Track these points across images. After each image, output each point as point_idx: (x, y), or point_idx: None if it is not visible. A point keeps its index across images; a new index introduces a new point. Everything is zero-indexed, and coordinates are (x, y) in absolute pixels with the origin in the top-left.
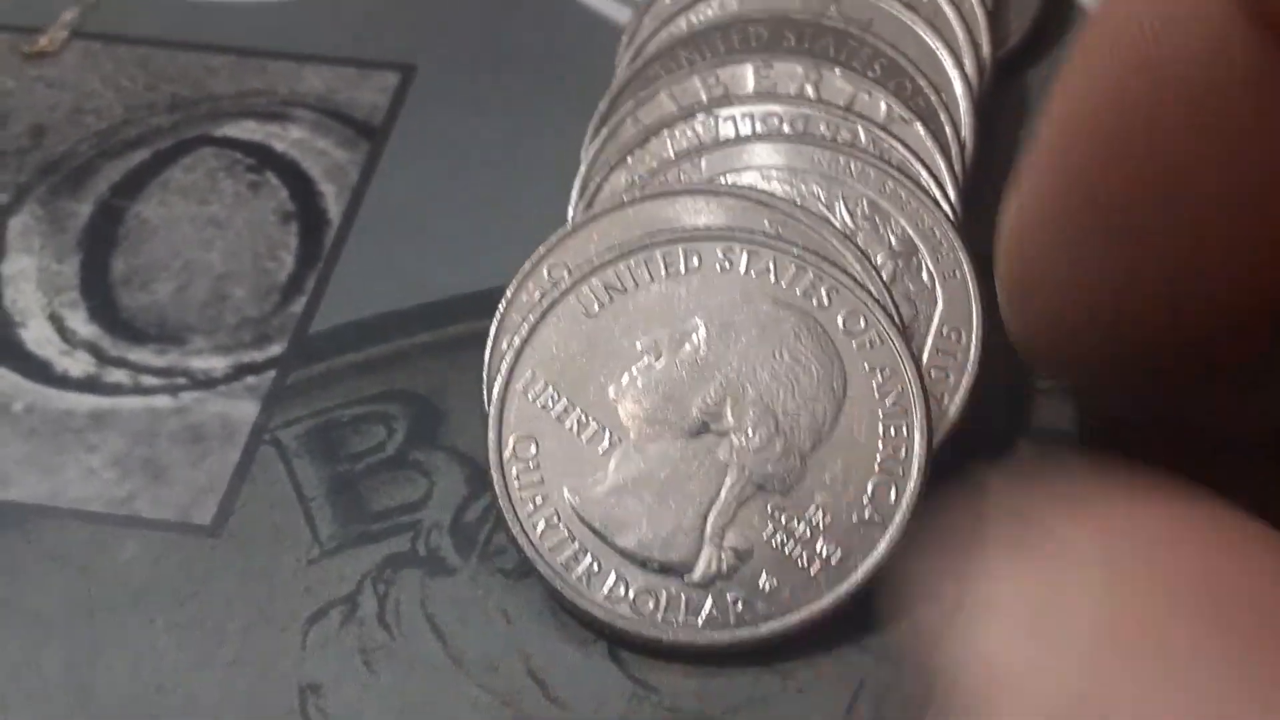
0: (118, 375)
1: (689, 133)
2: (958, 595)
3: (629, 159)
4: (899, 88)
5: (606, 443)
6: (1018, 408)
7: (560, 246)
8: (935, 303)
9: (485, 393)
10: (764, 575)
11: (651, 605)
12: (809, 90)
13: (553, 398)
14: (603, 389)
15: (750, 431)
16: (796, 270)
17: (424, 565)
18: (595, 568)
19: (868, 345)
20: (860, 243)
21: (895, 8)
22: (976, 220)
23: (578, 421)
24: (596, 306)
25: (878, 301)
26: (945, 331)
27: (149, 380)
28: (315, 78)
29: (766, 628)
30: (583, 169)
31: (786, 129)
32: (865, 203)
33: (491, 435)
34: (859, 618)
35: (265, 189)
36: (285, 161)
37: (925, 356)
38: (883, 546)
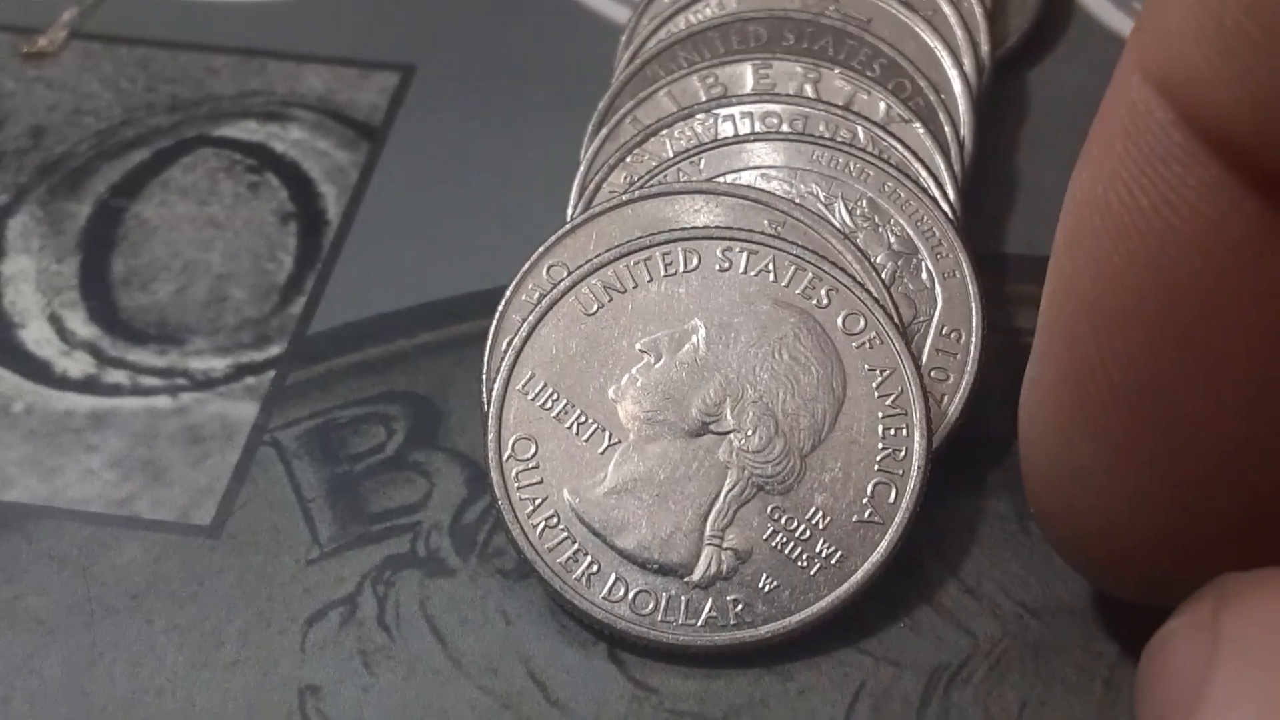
0: (117, 376)
1: (688, 132)
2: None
3: (628, 158)
4: (898, 87)
5: (606, 443)
6: (1016, 408)
7: (559, 246)
8: (935, 303)
9: (485, 393)
10: (764, 576)
11: (651, 606)
12: (808, 90)
13: (552, 398)
14: (602, 389)
15: (750, 432)
16: (796, 270)
17: (423, 566)
18: (595, 569)
19: (867, 345)
20: (860, 243)
21: (894, 7)
22: (975, 220)
23: (577, 422)
24: (596, 306)
25: (877, 302)
26: (945, 331)
27: (148, 381)
28: (315, 78)
29: (767, 629)
30: (582, 169)
31: (786, 128)
32: (865, 202)
33: (491, 436)
34: (859, 619)
35: (265, 189)
36: (285, 162)
37: (925, 356)
38: (882, 547)
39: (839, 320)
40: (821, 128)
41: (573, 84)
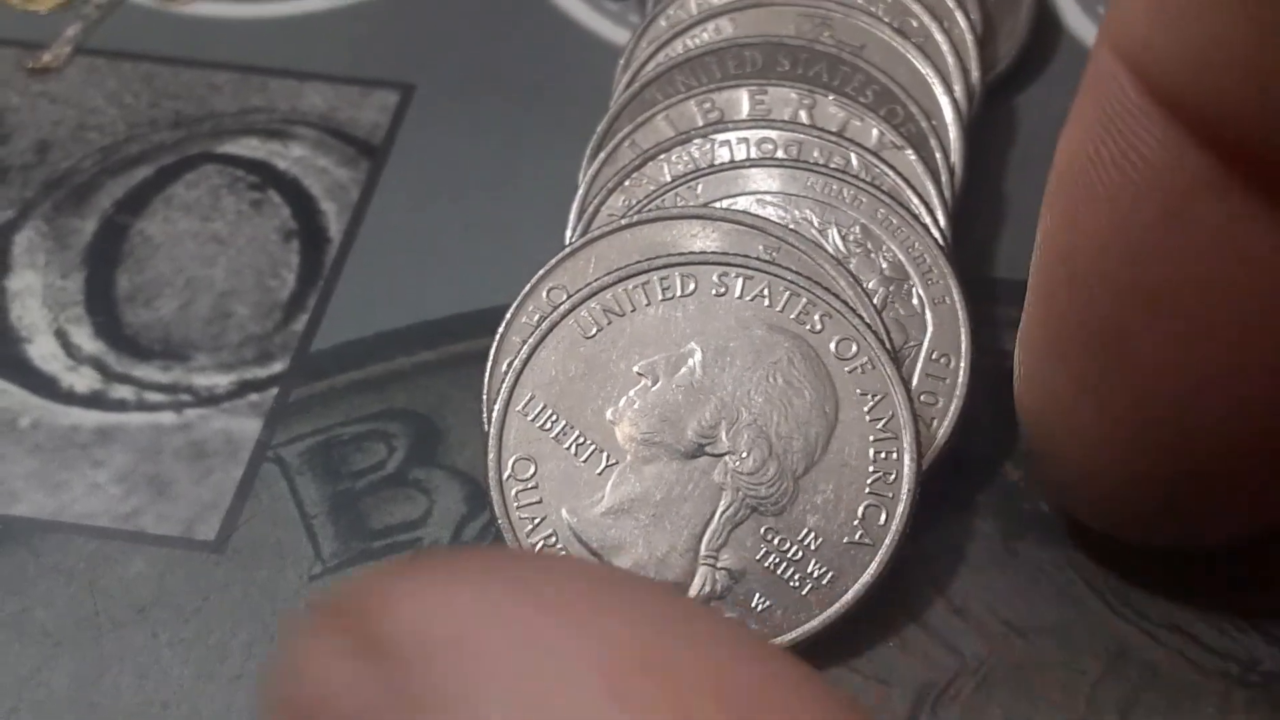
0: (122, 391)
1: (685, 157)
2: None
3: (626, 182)
4: (890, 114)
5: (604, 464)
6: (1005, 432)
7: (559, 269)
8: (925, 328)
9: (485, 413)
10: (757, 596)
11: None
12: (803, 115)
13: (552, 419)
14: (600, 411)
15: (745, 454)
16: (790, 296)
17: None
18: None
19: (859, 370)
20: (853, 268)
21: (886, 33)
22: (965, 244)
23: (576, 443)
24: (595, 329)
25: (869, 327)
26: (935, 356)
27: (153, 396)
28: (316, 95)
29: None
30: (580, 192)
31: (781, 154)
32: (858, 228)
33: (491, 456)
34: (849, 638)
35: (267, 207)
36: (287, 179)
37: (915, 381)
38: (873, 568)
39: (832, 345)
40: (816, 153)
41: (572, 104)
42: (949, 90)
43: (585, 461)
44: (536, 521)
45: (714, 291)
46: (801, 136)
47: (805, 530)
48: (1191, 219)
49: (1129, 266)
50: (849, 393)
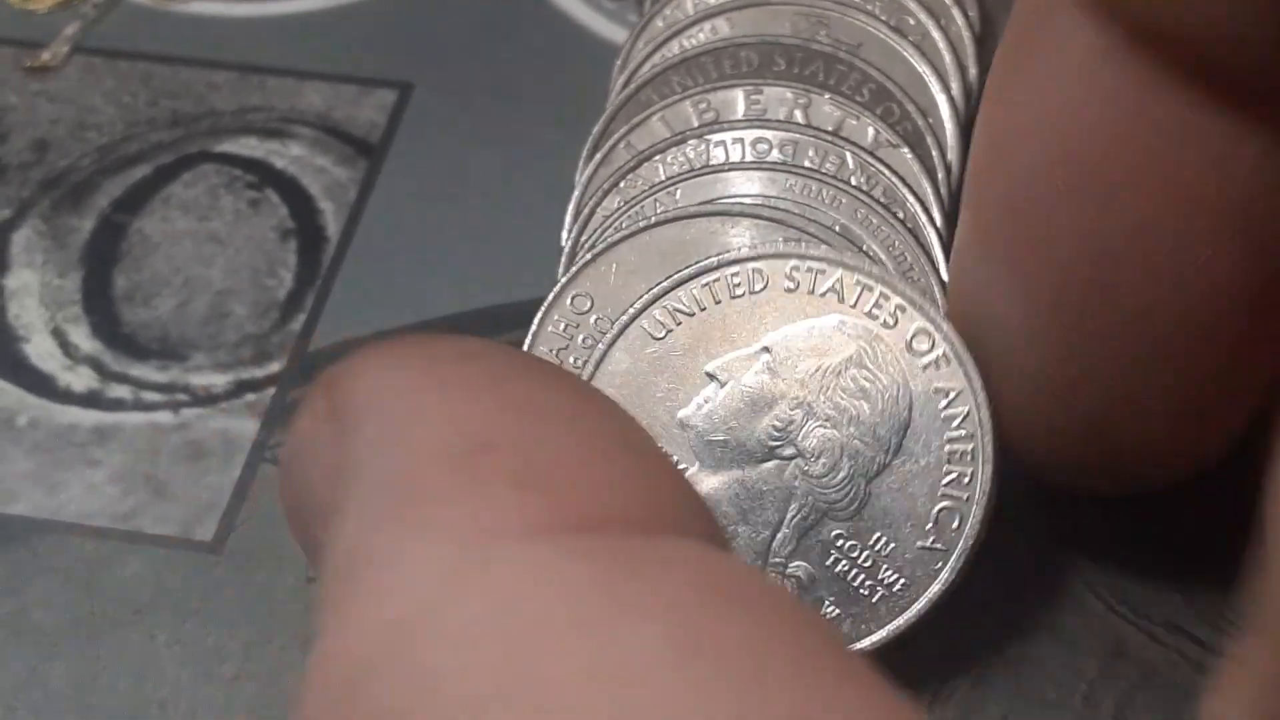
0: (120, 391)
1: (680, 158)
2: None
3: (622, 183)
4: (886, 112)
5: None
6: None
7: (581, 276)
8: None
9: None
10: (826, 604)
11: None
12: (798, 115)
13: None
14: (671, 413)
15: (815, 457)
16: (863, 290)
17: None
18: None
19: (934, 365)
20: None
21: (884, 32)
22: None
23: None
24: (664, 331)
25: (943, 320)
26: None
27: (151, 396)
28: (314, 94)
29: None
30: (577, 193)
31: (776, 154)
32: (837, 229)
33: None
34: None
35: (265, 206)
36: (285, 178)
37: None
38: (945, 575)
39: (906, 339)
40: (811, 153)
41: (570, 103)
42: (946, 88)
43: None
44: None
45: (784, 287)
46: (797, 136)
47: (876, 535)
48: (1104, 91)
49: (1050, 138)
50: (923, 390)
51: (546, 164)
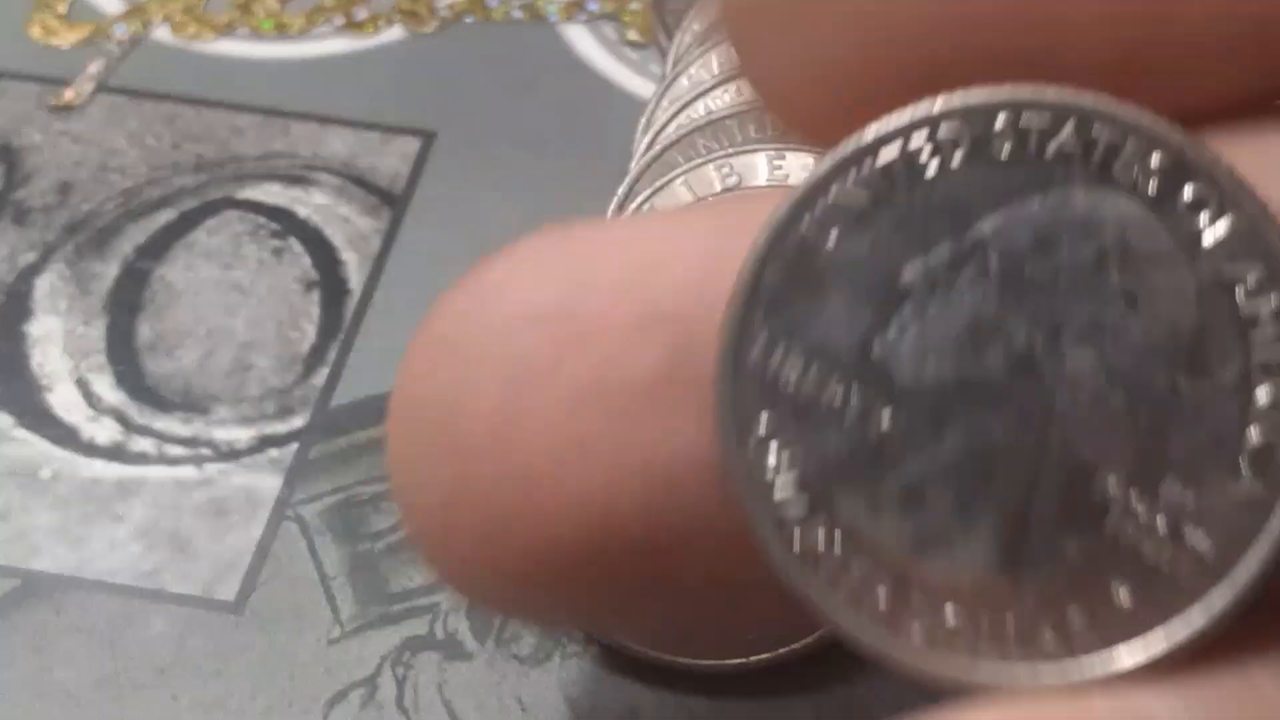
0: (143, 444)
1: None
2: None
3: None
4: None
5: None
6: None
7: None
8: None
9: None
10: (1115, 587)
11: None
12: None
13: None
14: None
15: (1072, 390)
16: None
17: (442, 649)
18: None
19: (1221, 245)
20: None
21: None
22: None
23: None
24: None
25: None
26: None
27: (174, 450)
28: (338, 141)
29: None
30: None
31: None
32: None
33: None
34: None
35: (288, 255)
36: (308, 228)
37: None
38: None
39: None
40: None
41: (592, 154)
42: None
43: None
44: None
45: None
46: None
47: (1169, 485)
48: None
49: None
50: (1210, 280)
51: (568, 215)
